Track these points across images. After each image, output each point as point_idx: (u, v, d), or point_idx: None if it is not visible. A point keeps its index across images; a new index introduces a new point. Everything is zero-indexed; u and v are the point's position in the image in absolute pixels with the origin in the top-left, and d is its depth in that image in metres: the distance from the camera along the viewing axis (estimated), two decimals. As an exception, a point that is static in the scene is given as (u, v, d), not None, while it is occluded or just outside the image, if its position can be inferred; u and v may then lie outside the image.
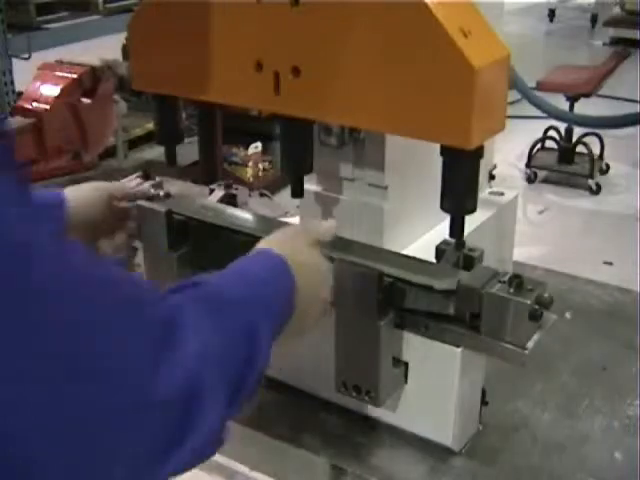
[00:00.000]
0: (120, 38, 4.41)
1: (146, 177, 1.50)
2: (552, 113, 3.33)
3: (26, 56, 4.92)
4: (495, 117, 1.14)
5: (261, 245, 1.09)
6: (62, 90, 4.36)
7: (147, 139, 5.28)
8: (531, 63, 5.72)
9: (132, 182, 1.49)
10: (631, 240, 4.06)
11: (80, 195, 1.33)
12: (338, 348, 1.26)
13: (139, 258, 1.44)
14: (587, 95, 5.03)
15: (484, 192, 1.61)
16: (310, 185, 1.43)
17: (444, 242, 1.26)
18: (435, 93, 1.08)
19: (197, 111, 1.54)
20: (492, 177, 1.71)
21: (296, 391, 1.44)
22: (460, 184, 1.15)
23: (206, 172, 1.66)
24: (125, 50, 4.64)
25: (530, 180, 5.18)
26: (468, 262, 1.23)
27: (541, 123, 5.12)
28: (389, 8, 1.08)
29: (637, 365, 1.53)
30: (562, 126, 5.11)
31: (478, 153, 1.12)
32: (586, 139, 5.10)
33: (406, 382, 1.30)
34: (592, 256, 3.97)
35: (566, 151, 5.19)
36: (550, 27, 9.63)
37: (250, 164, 4.77)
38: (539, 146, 5.29)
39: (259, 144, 4.77)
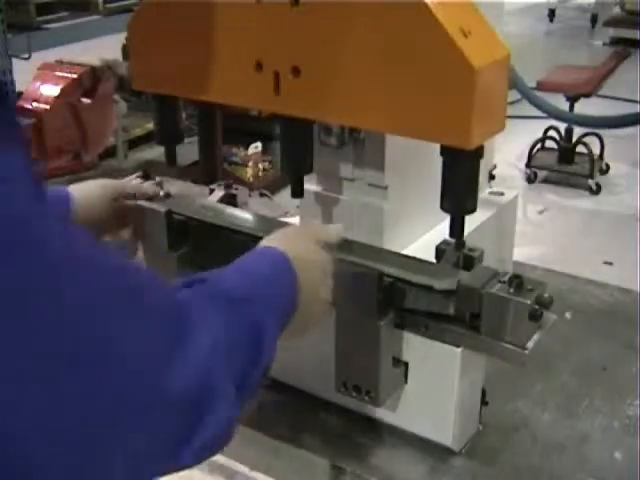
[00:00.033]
0: (120, 38, 4.42)
1: (146, 177, 1.50)
2: (552, 113, 3.34)
3: (26, 56, 4.92)
4: (495, 117, 1.14)
5: (264, 243, 1.09)
6: (62, 90, 4.37)
7: (147, 139, 5.29)
8: (531, 63, 5.73)
9: (132, 182, 1.49)
10: (631, 240, 4.07)
11: (86, 192, 1.33)
12: (338, 348, 1.26)
13: (139, 258, 1.44)
14: (587, 95, 5.03)
15: (484, 192, 1.61)
16: (310, 185, 1.43)
17: (444, 242, 1.26)
18: (435, 93, 1.08)
19: (197, 111, 1.54)
20: (492, 177, 1.71)
21: (296, 391, 1.43)
22: (460, 184, 1.15)
23: (206, 172, 1.66)
24: (125, 50, 4.65)
25: (530, 180, 5.18)
26: (468, 262, 1.23)
27: (541, 123, 5.12)
28: (389, 8, 1.08)
29: (637, 365, 1.53)
30: (562, 126, 5.11)
31: (478, 153, 1.12)
32: (586, 139, 5.10)
33: (406, 382, 1.30)
34: (592, 256, 3.97)
35: (566, 151, 5.19)
36: (550, 27, 9.64)
37: (250, 164, 4.77)
38: (539, 146, 5.29)
39: (259, 144, 4.78)
